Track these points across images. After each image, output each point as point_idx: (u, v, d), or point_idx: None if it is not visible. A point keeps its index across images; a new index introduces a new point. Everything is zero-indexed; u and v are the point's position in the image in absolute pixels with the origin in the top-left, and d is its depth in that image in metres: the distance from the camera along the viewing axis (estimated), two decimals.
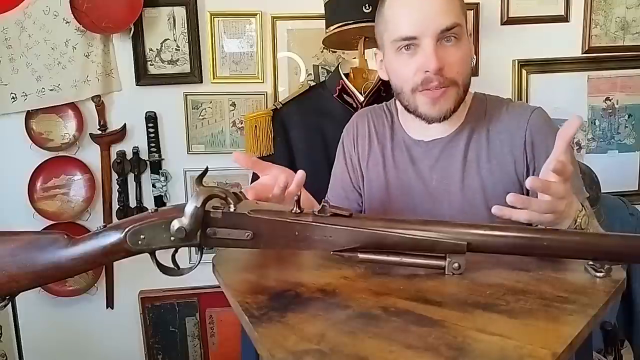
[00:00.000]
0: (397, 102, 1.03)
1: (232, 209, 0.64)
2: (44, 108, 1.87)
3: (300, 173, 0.81)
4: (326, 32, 1.59)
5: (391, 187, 1.00)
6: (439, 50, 0.87)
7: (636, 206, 1.83)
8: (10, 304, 0.67)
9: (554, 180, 0.71)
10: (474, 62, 1.00)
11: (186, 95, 1.94)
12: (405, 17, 0.89)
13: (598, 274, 0.62)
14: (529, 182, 0.69)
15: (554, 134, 0.93)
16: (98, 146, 1.92)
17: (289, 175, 0.82)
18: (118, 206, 1.96)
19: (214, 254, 0.77)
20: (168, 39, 1.92)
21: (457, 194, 0.95)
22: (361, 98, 1.53)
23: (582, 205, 0.81)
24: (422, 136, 0.99)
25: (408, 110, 0.95)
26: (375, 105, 1.11)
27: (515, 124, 0.95)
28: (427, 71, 0.87)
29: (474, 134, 0.97)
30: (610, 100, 2.08)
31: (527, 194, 0.91)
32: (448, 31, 0.87)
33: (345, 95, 1.55)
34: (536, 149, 0.92)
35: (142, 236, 0.63)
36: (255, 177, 1.69)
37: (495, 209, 0.70)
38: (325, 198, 1.09)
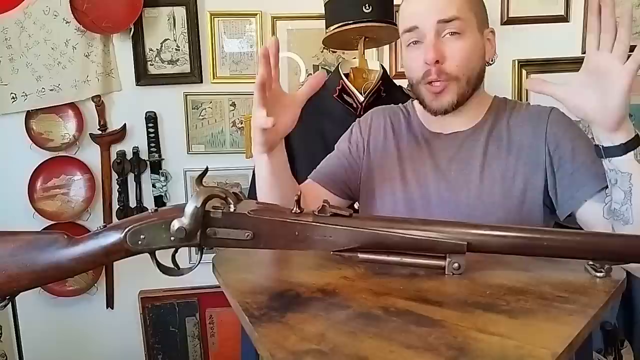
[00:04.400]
0: (414, 102, 1.08)
1: (232, 209, 0.64)
2: (44, 108, 1.88)
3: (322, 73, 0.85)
4: (326, 32, 1.59)
5: (407, 178, 1.01)
6: (439, 44, 0.91)
7: None
8: (10, 304, 0.67)
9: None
10: (495, 59, 1.01)
11: (186, 95, 1.95)
12: (409, 9, 0.94)
13: (598, 274, 0.62)
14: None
15: (575, 127, 0.96)
16: (98, 146, 1.92)
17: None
18: (118, 206, 1.96)
19: (214, 254, 0.77)
20: (168, 39, 1.92)
21: (476, 182, 0.96)
22: (361, 98, 1.53)
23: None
24: (441, 129, 1.01)
25: (419, 102, 0.99)
26: (393, 104, 1.13)
27: (536, 116, 0.97)
28: (427, 63, 0.91)
29: (495, 129, 0.99)
30: None
31: (548, 186, 0.94)
32: (447, 23, 0.90)
33: (345, 95, 1.55)
34: (560, 139, 0.94)
35: (142, 236, 0.63)
36: (255, 177, 1.70)
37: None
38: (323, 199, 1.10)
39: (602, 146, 0.80)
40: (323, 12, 1.63)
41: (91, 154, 1.93)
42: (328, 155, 1.12)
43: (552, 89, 0.81)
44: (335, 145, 1.13)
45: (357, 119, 1.14)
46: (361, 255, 0.65)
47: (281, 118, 0.85)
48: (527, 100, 2.04)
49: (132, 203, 1.97)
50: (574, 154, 0.90)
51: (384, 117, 1.09)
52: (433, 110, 0.96)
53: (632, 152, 0.78)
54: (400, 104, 1.12)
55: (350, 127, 1.13)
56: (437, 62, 0.90)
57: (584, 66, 0.78)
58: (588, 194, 0.88)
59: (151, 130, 1.94)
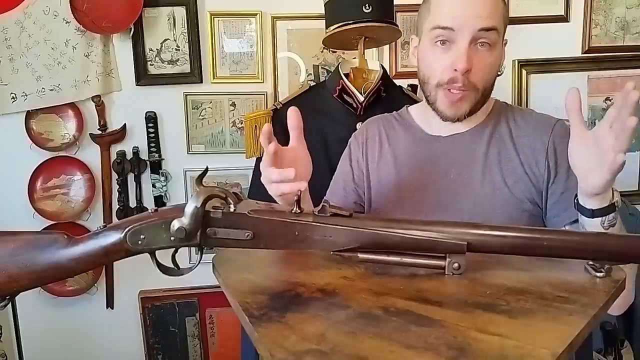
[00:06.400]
0: (409, 108, 1.08)
1: (232, 209, 0.64)
2: (44, 108, 1.87)
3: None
4: (326, 32, 1.59)
5: (404, 184, 1.01)
6: (471, 52, 0.89)
7: (636, 206, 1.83)
8: (10, 304, 0.67)
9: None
10: (504, 70, 1.01)
11: (186, 95, 1.95)
12: (448, 7, 0.90)
13: (598, 274, 0.62)
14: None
15: None
16: (98, 146, 1.92)
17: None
18: (118, 206, 1.96)
19: (214, 254, 0.77)
20: (168, 39, 1.92)
21: (477, 187, 0.95)
22: (361, 98, 1.53)
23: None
24: (440, 132, 1.00)
25: (428, 102, 0.97)
26: (386, 113, 1.12)
27: (541, 127, 0.96)
28: (456, 70, 0.89)
29: (496, 132, 0.98)
30: (610, 100, 2.08)
31: (542, 196, 0.93)
32: (485, 32, 0.88)
33: (345, 96, 1.55)
34: (559, 155, 0.93)
35: (142, 236, 0.63)
36: (255, 177, 1.70)
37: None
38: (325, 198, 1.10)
39: (577, 200, 0.82)
40: (323, 12, 1.63)
41: (91, 154, 1.93)
42: (333, 181, 1.12)
43: (577, 119, 0.78)
44: (337, 167, 1.13)
45: (353, 133, 1.14)
46: (361, 255, 0.65)
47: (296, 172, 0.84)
48: (526, 100, 2.04)
49: (132, 203, 1.97)
50: (568, 174, 0.89)
51: (378, 126, 1.09)
52: (446, 117, 0.94)
53: (599, 219, 0.80)
54: (394, 112, 1.11)
55: (348, 144, 1.13)
56: (466, 71, 0.89)
57: (596, 129, 0.76)
58: (572, 217, 0.89)
59: (151, 130, 1.94)
